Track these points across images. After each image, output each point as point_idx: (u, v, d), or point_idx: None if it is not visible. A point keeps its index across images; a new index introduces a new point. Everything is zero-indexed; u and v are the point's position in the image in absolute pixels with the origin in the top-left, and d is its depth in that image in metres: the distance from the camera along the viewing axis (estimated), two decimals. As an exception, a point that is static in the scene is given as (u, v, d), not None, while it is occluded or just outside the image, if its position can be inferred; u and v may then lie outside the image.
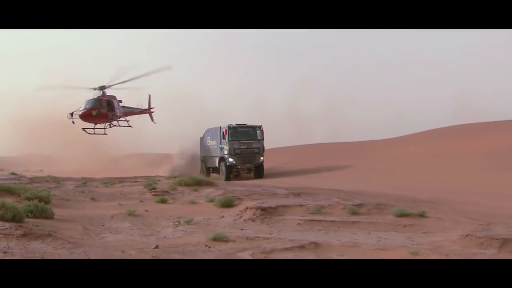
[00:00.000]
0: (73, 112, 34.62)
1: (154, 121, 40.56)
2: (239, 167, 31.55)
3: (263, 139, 32.02)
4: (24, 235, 8.05)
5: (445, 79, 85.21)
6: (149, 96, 40.14)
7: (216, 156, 32.67)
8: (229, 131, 31.32)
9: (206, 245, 8.49)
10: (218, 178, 31.03)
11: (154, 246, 8.37)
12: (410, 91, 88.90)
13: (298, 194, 15.73)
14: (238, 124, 32.11)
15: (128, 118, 37.93)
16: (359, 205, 12.68)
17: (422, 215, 11.35)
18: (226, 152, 31.27)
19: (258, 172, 32.05)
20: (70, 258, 7.05)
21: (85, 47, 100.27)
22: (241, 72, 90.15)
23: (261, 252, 7.89)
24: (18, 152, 56.52)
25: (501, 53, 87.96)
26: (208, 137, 34.34)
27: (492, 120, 47.55)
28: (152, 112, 40.40)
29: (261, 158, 31.95)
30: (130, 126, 38.08)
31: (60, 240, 8.16)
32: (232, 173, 31.28)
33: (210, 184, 20.33)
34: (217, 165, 32.64)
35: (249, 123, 32.61)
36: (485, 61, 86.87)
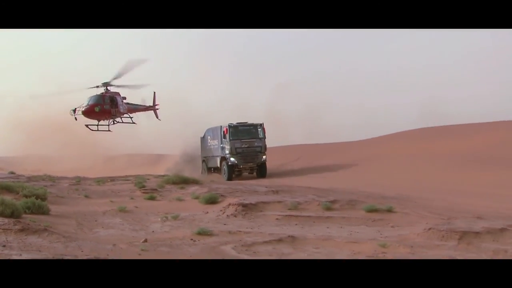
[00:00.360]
0: (75, 109, 32.18)
1: (158, 118, 38.04)
2: (241, 166, 29.16)
3: (265, 137, 29.57)
4: (22, 230, 8.00)
5: (412, 85, 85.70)
6: (154, 93, 37.61)
7: (218, 156, 30.47)
8: (230, 130, 28.94)
9: (192, 239, 8.50)
10: (220, 178, 29.34)
11: (143, 240, 8.37)
12: (381, 97, 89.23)
13: (276, 192, 15.80)
14: (239, 123, 29.68)
15: (132, 114, 35.51)
16: (333, 202, 12.76)
17: (390, 211, 11.49)
18: (227, 152, 28.98)
19: (261, 171, 29.67)
20: (64, 251, 7.03)
21: (83, 49, 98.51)
22: (224, 75, 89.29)
23: (242, 245, 7.94)
24: (16, 153, 55.65)
25: (465, 60, 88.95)
26: (209, 137, 32.06)
27: (455, 124, 48.11)
28: (157, 109, 37.97)
29: (264, 157, 29.48)
30: (134, 123, 35.61)
31: (55, 234, 8.11)
32: (234, 173, 29.00)
33: (195, 182, 20.27)
34: (218, 165, 30.35)
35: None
36: (449, 68, 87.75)
